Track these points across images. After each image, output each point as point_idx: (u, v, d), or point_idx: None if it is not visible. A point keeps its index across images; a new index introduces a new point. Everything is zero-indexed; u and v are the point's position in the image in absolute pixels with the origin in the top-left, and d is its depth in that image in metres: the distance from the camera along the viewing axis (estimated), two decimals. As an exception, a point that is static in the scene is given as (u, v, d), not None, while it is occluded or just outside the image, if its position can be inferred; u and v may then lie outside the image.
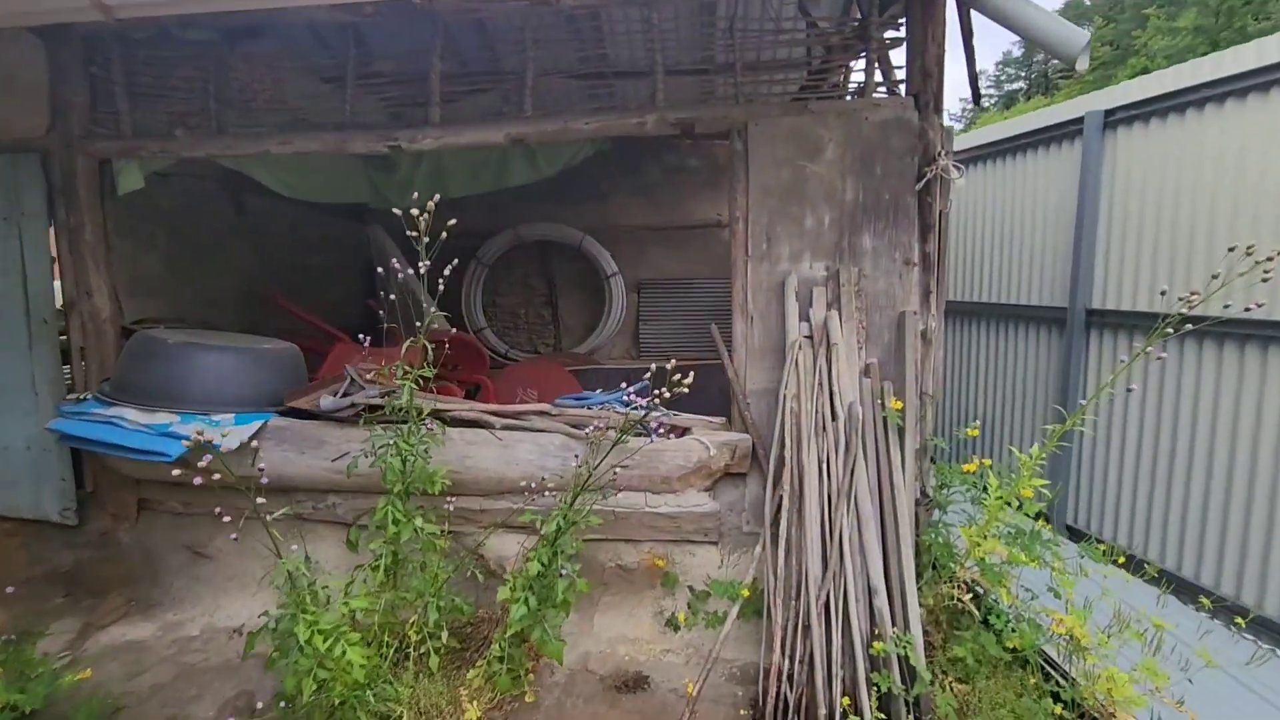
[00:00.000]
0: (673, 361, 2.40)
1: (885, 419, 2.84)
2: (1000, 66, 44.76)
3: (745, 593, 2.72)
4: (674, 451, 3.08)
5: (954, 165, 2.95)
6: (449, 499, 2.89)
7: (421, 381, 2.78)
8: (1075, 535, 4.34)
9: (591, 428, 2.98)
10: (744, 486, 3.19)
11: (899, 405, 2.81)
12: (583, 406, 3.45)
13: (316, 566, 3.34)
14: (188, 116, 3.36)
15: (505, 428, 3.22)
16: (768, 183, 3.06)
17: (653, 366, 2.52)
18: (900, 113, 2.95)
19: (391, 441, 2.64)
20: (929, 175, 2.92)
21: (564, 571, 2.51)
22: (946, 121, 3.00)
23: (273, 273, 4.98)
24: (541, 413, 3.29)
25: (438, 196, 2.58)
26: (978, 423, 3.03)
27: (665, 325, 6.75)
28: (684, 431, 3.40)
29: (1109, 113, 4.19)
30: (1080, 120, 4.32)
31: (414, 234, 2.52)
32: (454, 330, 6.02)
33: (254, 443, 3.13)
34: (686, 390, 2.30)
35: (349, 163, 5.60)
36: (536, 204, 6.61)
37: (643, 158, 6.59)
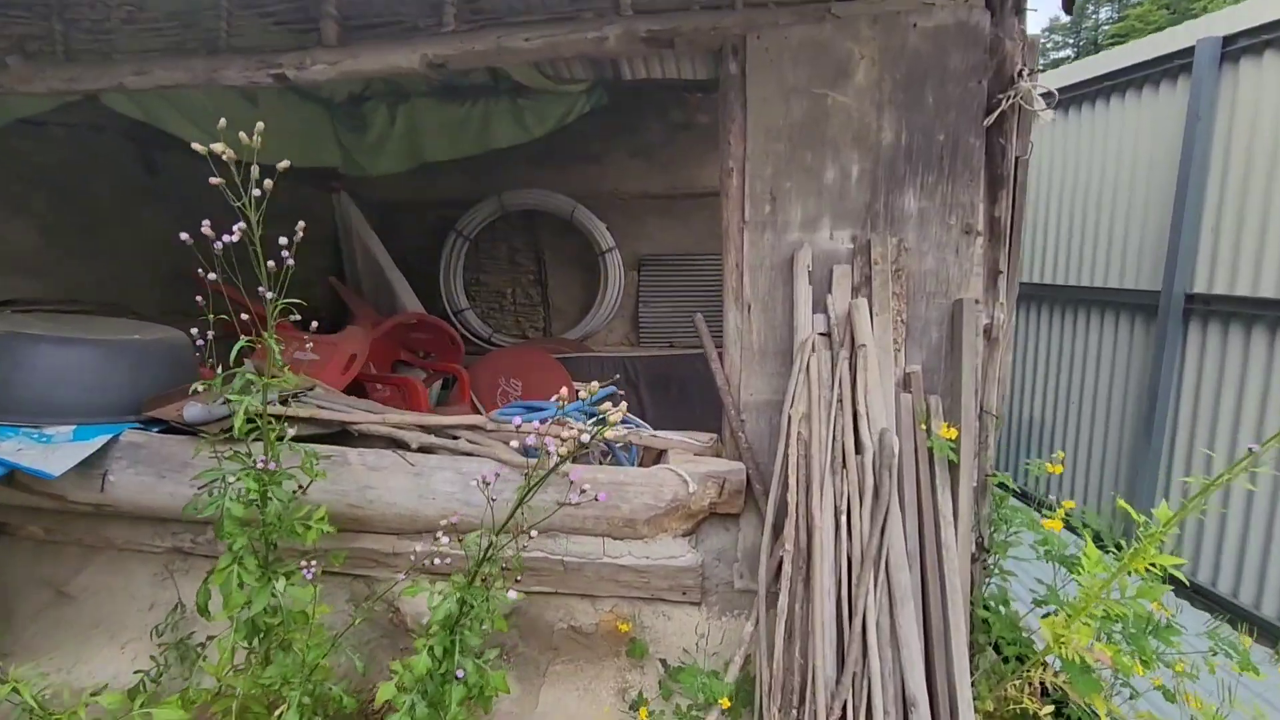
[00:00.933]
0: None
1: (931, 451, 2.02)
2: (1047, 33, 42.30)
3: (725, 702, 1.94)
4: (640, 486, 2.29)
5: (1041, 91, 2.07)
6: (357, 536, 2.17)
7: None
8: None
9: (511, 450, 2.21)
10: (736, 530, 2.40)
11: (952, 433, 1.98)
12: (534, 418, 2.68)
13: (193, 616, 2.67)
14: (26, 40, 2.61)
15: (423, 449, 2.47)
16: (773, 120, 2.21)
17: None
18: (963, 15, 2.07)
19: (234, 477, 1.90)
20: (1004, 105, 2.05)
21: (461, 674, 1.75)
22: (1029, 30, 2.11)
23: (204, 247, 4.26)
24: (473, 427, 2.53)
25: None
26: (1061, 454, 2.21)
27: (668, 307, 5.94)
28: (659, 455, 2.61)
29: (1228, 40, 3.22)
30: (1189, 51, 3.36)
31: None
32: (419, 312, 5.33)
33: (105, 466, 2.43)
34: (615, 423, 1.52)
35: (315, 120, 4.88)
36: (523, 169, 5.81)
37: (643, 115, 5.72)
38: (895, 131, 2.15)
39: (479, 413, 4.94)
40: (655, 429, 5.01)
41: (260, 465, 1.82)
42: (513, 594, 1.87)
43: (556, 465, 1.76)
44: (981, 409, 2.17)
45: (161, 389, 2.66)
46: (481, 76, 4.66)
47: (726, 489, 2.30)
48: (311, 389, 2.94)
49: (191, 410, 2.45)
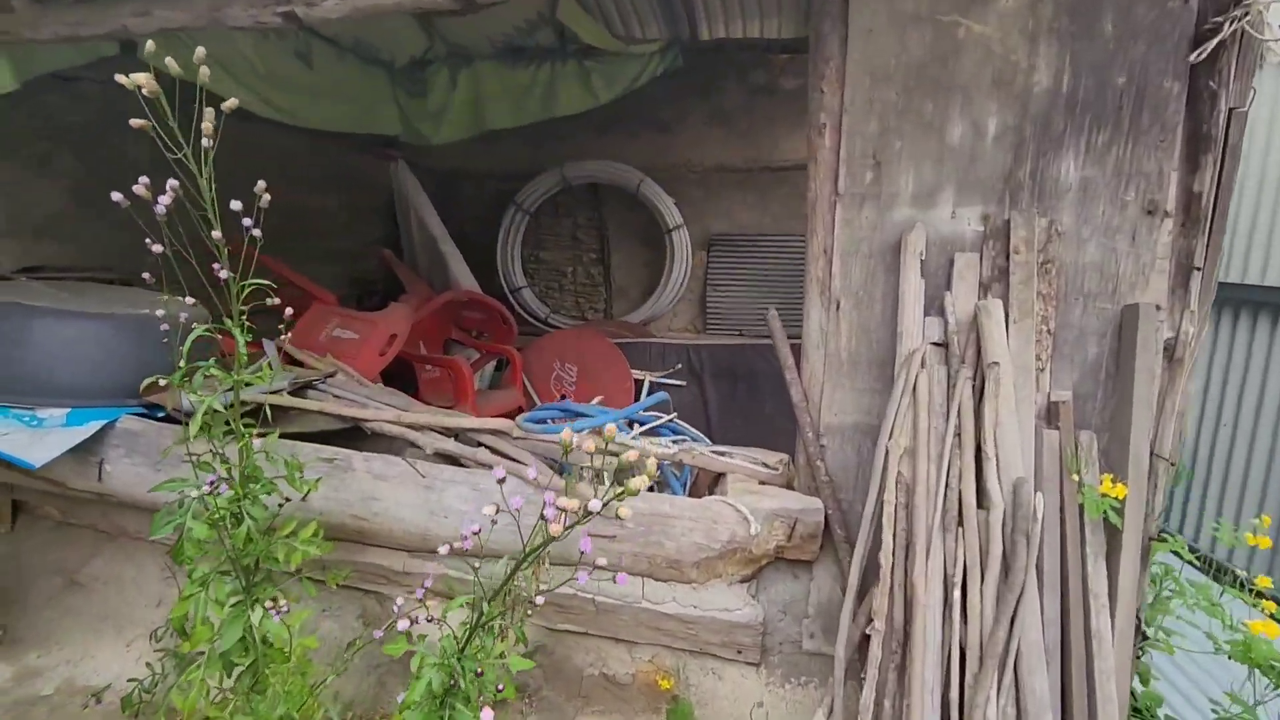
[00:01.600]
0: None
1: (1082, 509, 1.49)
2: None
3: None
4: (689, 521, 1.85)
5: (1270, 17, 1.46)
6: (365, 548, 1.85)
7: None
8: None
9: (526, 471, 1.81)
10: (809, 579, 1.93)
11: (1119, 490, 1.44)
12: (569, 424, 2.29)
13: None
14: (34, -19, 2.37)
15: (439, 454, 2.11)
16: (882, 59, 1.68)
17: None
18: (1169, -96, 1.48)
19: (200, 490, 1.58)
20: (1223, 33, 1.45)
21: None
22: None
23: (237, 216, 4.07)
24: (498, 432, 2.15)
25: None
26: (1266, 519, 1.62)
27: (740, 292, 5.41)
28: (717, 479, 2.16)
29: None
30: None
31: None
32: (470, 290, 5.02)
33: (101, 453, 2.21)
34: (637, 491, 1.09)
35: (374, 84, 4.61)
36: (587, 138, 5.39)
37: (722, 78, 5.17)
38: (1054, 72, 1.58)
39: (529, 398, 4.63)
40: (718, 428, 4.57)
41: (210, 483, 1.49)
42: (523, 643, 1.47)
43: (543, 546, 1.34)
44: (1153, 452, 1.60)
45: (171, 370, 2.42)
46: (548, 38, 4.27)
47: (799, 532, 1.83)
48: (332, 375, 2.65)
49: (184, 402, 2.18)
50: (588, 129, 5.29)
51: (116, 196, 1.31)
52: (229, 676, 1.73)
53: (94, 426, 2.15)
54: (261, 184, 1.38)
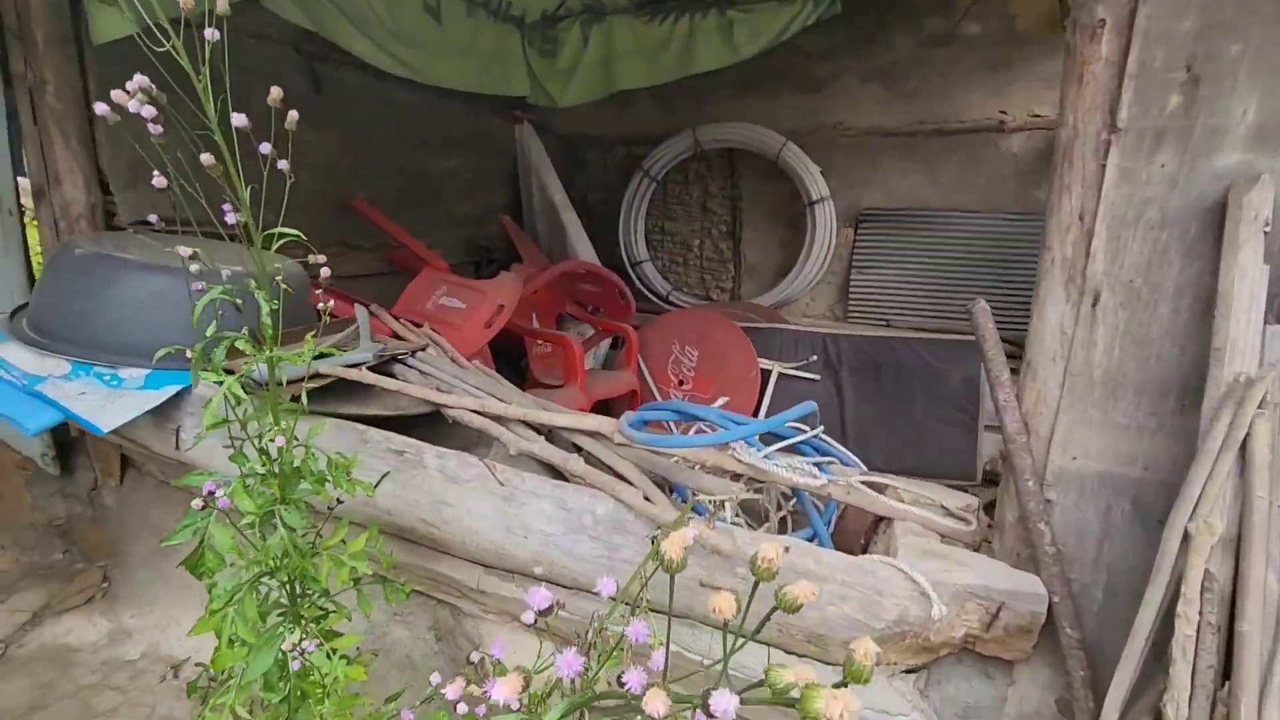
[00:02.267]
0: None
1: None
2: None
3: None
4: (841, 585, 1.34)
5: None
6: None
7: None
8: None
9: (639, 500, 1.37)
10: (1008, 682, 1.37)
11: None
12: (686, 442, 1.83)
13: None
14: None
15: (521, 454, 1.73)
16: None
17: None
18: None
19: (225, 487, 1.29)
20: None
21: None
22: None
23: (373, 175, 3.93)
24: (595, 434, 1.73)
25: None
26: None
27: (891, 276, 4.68)
28: (877, 524, 1.63)
29: None
30: None
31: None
32: (586, 262, 4.67)
33: (178, 420, 2.04)
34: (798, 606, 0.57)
35: (504, 41, 4.36)
36: (724, 98, 4.85)
37: (887, 27, 4.41)
38: None
39: (644, 380, 4.23)
40: (854, 432, 3.92)
41: (207, 492, 1.18)
42: None
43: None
44: None
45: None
46: (688, -13, 3.82)
47: (1004, 621, 1.27)
48: (422, 349, 2.36)
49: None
50: (725, 89, 4.76)
51: (101, 109, 0.99)
52: (262, 708, 1.46)
53: (168, 391, 1.97)
54: (276, 92, 1.00)
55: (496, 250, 5.23)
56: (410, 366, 2.21)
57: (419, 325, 2.80)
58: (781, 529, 1.87)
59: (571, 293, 4.50)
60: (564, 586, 1.68)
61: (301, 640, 1.36)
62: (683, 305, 5.17)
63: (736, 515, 1.71)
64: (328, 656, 1.40)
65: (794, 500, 1.83)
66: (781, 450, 1.76)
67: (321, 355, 1.45)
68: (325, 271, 1.21)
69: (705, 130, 4.83)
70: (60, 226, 2.56)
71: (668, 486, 1.72)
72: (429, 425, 2.00)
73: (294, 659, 1.37)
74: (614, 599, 1.15)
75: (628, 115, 5.15)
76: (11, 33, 2.40)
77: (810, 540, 1.58)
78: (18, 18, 2.39)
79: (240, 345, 1.23)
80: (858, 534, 1.66)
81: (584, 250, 4.68)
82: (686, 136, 4.87)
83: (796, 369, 4.28)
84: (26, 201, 2.73)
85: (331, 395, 2.02)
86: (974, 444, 3.55)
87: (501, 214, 4.96)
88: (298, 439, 1.36)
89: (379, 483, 1.48)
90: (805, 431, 1.84)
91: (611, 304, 4.47)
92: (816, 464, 1.76)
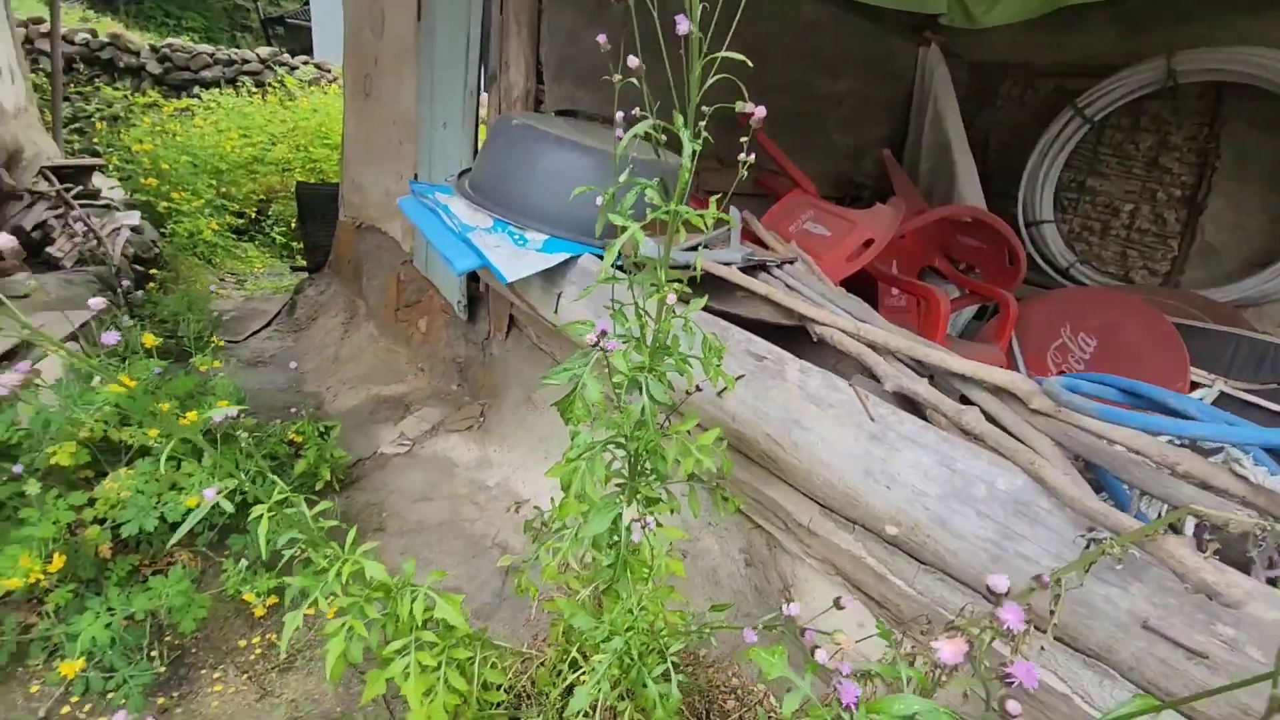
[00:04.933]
0: None
1: None
2: None
3: None
4: None
5: None
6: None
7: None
8: None
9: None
10: None
11: None
12: (1146, 423, 1.33)
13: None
14: None
15: (901, 396, 1.43)
16: None
17: None
18: None
19: (611, 340, 1.25)
20: None
21: None
22: None
23: (761, 92, 3.81)
24: (1001, 390, 1.34)
25: None
26: None
27: None
28: None
29: None
30: None
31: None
32: (978, 209, 3.93)
33: (560, 286, 2.20)
34: None
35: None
36: (1225, 13, 3.57)
37: None
38: None
39: (1012, 362, 3.51)
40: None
41: (599, 331, 1.12)
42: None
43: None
44: None
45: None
46: None
47: None
48: (790, 262, 2.16)
49: (646, 248, 1.96)
50: (1227, 3, 3.50)
51: (601, 39, 0.92)
52: (594, 557, 1.48)
53: (559, 257, 2.12)
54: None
55: (866, 189, 4.79)
56: (776, 277, 2.04)
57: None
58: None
59: (946, 244, 3.90)
60: (917, 559, 1.37)
61: (643, 514, 1.32)
62: (1085, 283, 4.14)
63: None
64: (651, 543, 1.34)
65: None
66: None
67: (693, 248, 1.32)
68: (761, 111, 1.04)
69: (1188, 57, 3.63)
70: (502, 108, 2.93)
71: (1095, 482, 1.27)
72: (782, 340, 1.82)
73: (629, 531, 1.34)
74: (998, 597, 0.83)
75: (1069, 38, 4.15)
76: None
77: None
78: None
79: (650, 194, 1.15)
80: None
81: (972, 197, 3.99)
82: (1156, 66, 3.73)
83: (1253, 391, 3.11)
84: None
85: (695, 289, 1.96)
86: None
87: (880, 148, 4.48)
88: (676, 311, 1.27)
89: (737, 379, 1.34)
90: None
91: (994, 265, 3.76)
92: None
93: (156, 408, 1.33)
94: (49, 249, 3.93)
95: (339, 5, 4.68)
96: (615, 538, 1.36)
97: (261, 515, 1.09)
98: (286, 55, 9.07)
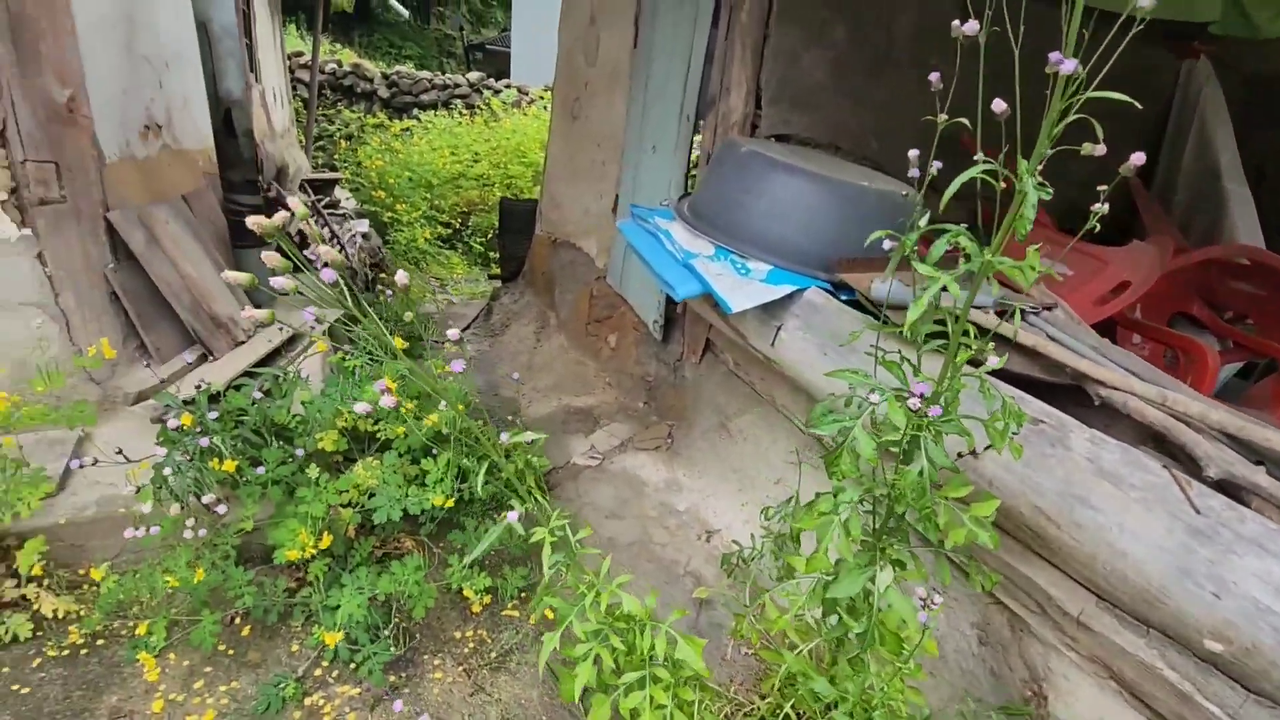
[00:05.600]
0: None
1: None
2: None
3: None
4: None
5: None
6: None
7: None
8: None
9: None
10: None
11: None
12: None
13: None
14: None
15: (1227, 479, 1.19)
16: None
17: None
18: None
19: (885, 395, 1.16)
20: None
21: None
22: None
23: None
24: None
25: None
26: None
27: None
28: None
29: None
30: None
31: None
32: (1258, 250, 3.31)
33: (781, 319, 2.13)
34: None
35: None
36: None
37: None
38: None
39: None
40: None
41: (917, 395, 1.03)
42: None
43: None
44: None
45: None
46: None
47: None
48: (1050, 309, 1.93)
49: (880, 288, 1.84)
50: None
51: (934, 77, 0.85)
52: (831, 621, 1.39)
53: (786, 289, 2.05)
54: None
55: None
56: (1033, 325, 1.83)
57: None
58: None
59: (1208, 288, 3.34)
60: (1245, 688, 1.14)
61: (895, 577, 1.22)
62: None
63: None
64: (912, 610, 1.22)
65: None
66: None
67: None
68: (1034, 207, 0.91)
69: None
70: (719, 133, 2.93)
71: None
72: (1049, 398, 1.61)
73: (880, 595, 1.25)
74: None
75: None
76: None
77: None
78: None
79: (961, 241, 1.05)
80: None
81: (1247, 234, 3.40)
82: None
83: None
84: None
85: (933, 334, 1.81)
86: None
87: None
88: (967, 370, 1.15)
89: (1020, 450, 1.19)
90: None
91: (1273, 316, 3.16)
92: None
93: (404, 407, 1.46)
94: (305, 252, 4.55)
95: (539, 32, 4.99)
96: (869, 603, 1.27)
97: (544, 539, 1.12)
98: (491, 79, 9.90)
